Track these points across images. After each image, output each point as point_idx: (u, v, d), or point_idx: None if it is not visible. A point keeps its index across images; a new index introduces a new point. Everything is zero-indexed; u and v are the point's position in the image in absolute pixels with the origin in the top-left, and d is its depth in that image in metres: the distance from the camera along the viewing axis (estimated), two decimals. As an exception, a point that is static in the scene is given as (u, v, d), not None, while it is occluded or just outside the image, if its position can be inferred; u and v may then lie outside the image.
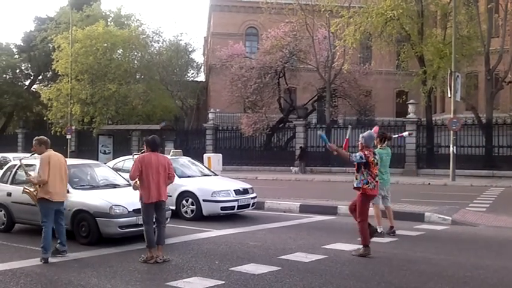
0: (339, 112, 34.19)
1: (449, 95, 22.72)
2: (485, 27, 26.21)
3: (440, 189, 19.32)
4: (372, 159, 7.46)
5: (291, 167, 27.84)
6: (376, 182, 7.58)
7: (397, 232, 9.24)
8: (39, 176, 7.30)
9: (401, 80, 31.74)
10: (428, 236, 9.30)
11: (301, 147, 28.60)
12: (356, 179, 7.49)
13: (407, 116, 26.65)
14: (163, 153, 8.64)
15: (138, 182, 7.17)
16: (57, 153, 7.61)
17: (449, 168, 22.09)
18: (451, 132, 22.35)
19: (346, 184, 20.84)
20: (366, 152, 7.45)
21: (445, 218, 10.71)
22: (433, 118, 28.91)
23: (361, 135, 7.68)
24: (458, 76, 22.63)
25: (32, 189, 7.56)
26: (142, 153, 7.47)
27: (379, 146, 9.24)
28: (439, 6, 27.08)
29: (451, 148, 22.31)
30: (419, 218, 10.87)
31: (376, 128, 9.12)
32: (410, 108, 26.60)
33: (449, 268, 6.78)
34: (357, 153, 7.42)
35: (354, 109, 34.05)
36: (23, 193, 7.80)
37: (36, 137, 7.61)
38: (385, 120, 29.23)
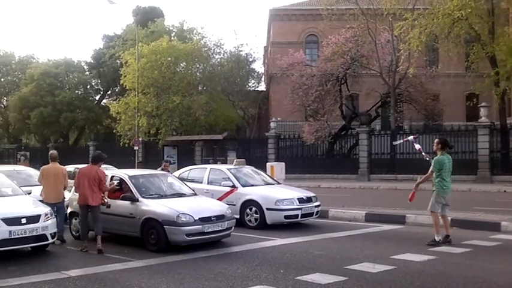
0: (405, 118, 33.05)
1: (524, 97, 21.42)
2: None
3: (517, 196, 18.13)
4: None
5: None
6: None
7: (472, 242, 8.78)
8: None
9: (471, 82, 30.21)
10: (505, 246, 8.77)
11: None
12: None
13: (479, 120, 25.30)
14: (226, 163, 8.90)
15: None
16: (54, 165, 9.55)
17: (527, 175, 20.73)
18: (528, 136, 21.01)
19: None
20: None
21: (525, 227, 10.03)
22: (508, 121, 27.27)
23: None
24: (534, 76, 21.28)
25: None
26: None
27: (439, 153, 8.87)
28: (511, 3, 25.61)
29: (528, 153, 21.00)
30: (495, 227, 10.26)
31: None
32: (482, 111, 25.26)
33: (531, 281, 6.33)
34: None
35: (420, 114, 32.77)
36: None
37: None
38: (455, 124, 27.90)
